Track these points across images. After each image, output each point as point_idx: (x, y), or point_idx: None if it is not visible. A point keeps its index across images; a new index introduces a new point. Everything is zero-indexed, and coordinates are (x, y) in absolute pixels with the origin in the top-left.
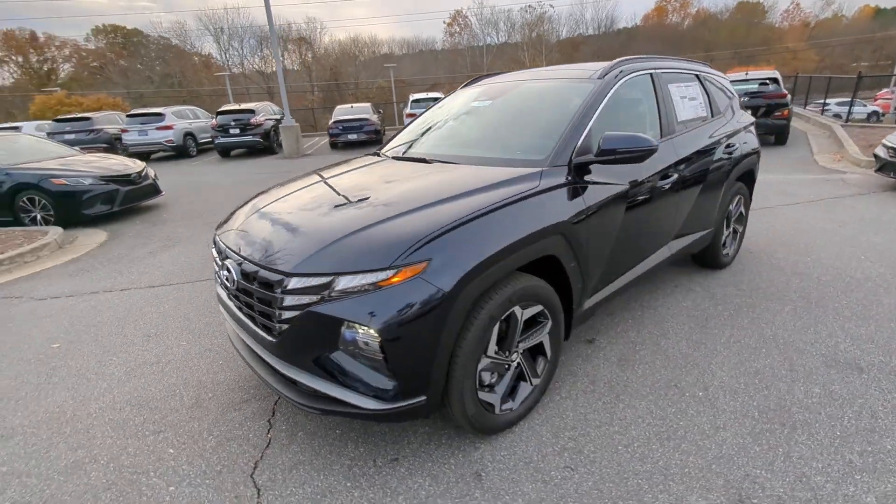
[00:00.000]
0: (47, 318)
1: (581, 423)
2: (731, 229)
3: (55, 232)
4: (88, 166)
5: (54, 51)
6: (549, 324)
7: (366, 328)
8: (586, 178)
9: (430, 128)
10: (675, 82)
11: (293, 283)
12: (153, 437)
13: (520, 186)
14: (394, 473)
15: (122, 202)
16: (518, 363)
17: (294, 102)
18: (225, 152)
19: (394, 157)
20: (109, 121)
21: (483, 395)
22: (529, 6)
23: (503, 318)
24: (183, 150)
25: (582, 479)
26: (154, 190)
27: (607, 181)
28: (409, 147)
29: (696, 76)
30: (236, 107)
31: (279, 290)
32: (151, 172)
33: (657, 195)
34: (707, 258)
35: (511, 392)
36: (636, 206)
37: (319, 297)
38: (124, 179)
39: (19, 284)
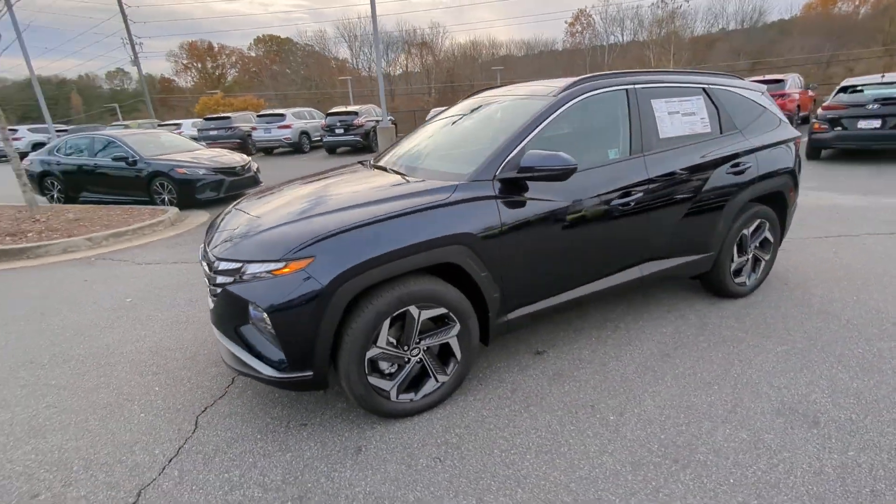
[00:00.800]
0: (134, 279)
1: (475, 424)
2: (747, 256)
3: (172, 212)
4: (205, 160)
5: (224, 58)
6: (457, 327)
7: (261, 308)
8: (524, 194)
9: (420, 138)
10: (663, 97)
11: (220, 266)
12: (151, 376)
13: (428, 198)
14: (296, 436)
15: (227, 190)
16: (420, 359)
17: (412, 103)
18: (331, 150)
19: (373, 166)
20: (244, 120)
21: (374, 381)
22: (662, 1)
23: (396, 315)
24: (298, 146)
25: (443, 470)
26: (254, 181)
27: (543, 198)
28: (390, 157)
29: (703, 90)
30: (343, 109)
31: (213, 271)
32: (254, 166)
33: (615, 214)
34: (712, 285)
35: (415, 384)
36: (582, 224)
37: (233, 279)
38: (230, 171)
39: (131, 251)
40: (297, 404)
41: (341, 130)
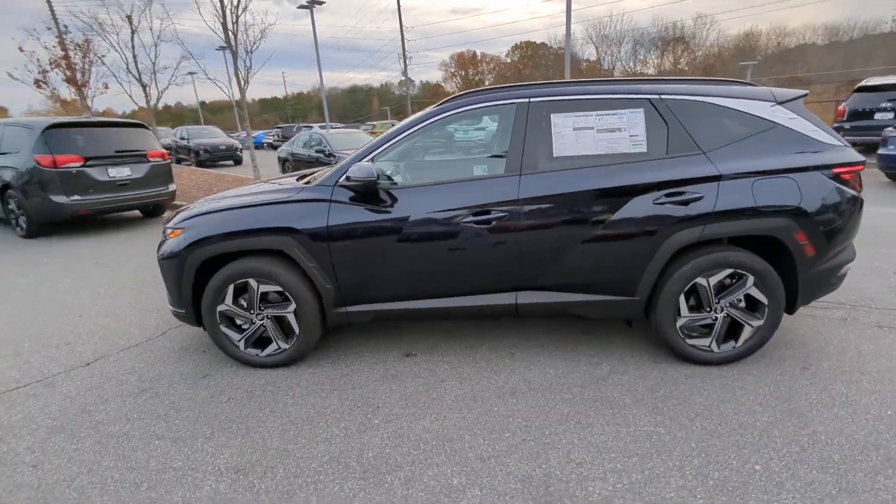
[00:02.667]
0: None
1: (289, 386)
2: (712, 315)
3: None
4: None
5: (484, 66)
6: (293, 305)
7: (158, 258)
8: (370, 203)
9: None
10: (570, 112)
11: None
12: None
13: (277, 196)
14: (176, 360)
15: None
16: (264, 324)
17: None
18: None
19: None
20: None
21: (225, 330)
22: None
23: (239, 283)
24: None
25: (231, 408)
26: None
27: (380, 208)
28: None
29: (649, 102)
30: None
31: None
32: None
33: (467, 233)
34: (667, 341)
35: (262, 344)
36: (424, 237)
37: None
38: None
39: None
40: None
41: None
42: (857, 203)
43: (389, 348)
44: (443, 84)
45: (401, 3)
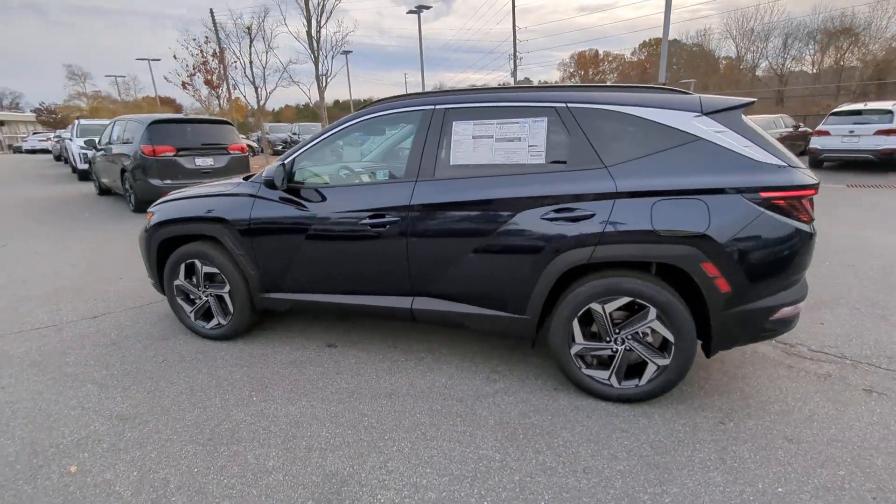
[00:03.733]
0: None
1: (189, 348)
2: (612, 346)
3: None
4: None
5: (606, 65)
6: (227, 287)
7: None
8: (290, 199)
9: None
10: (471, 119)
11: None
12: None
13: (224, 189)
14: (134, 317)
15: None
16: (207, 301)
17: (804, 108)
18: None
19: None
20: None
21: (181, 302)
22: None
23: (188, 262)
24: None
25: (167, 366)
26: None
27: (289, 205)
28: None
29: (555, 111)
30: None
31: None
32: None
33: (363, 235)
34: (561, 368)
35: (207, 317)
36: (326, 236)
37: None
38: None
39: None
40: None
41: None
42: (797, 235)
43: (320, 337)
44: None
45: (516, 3)
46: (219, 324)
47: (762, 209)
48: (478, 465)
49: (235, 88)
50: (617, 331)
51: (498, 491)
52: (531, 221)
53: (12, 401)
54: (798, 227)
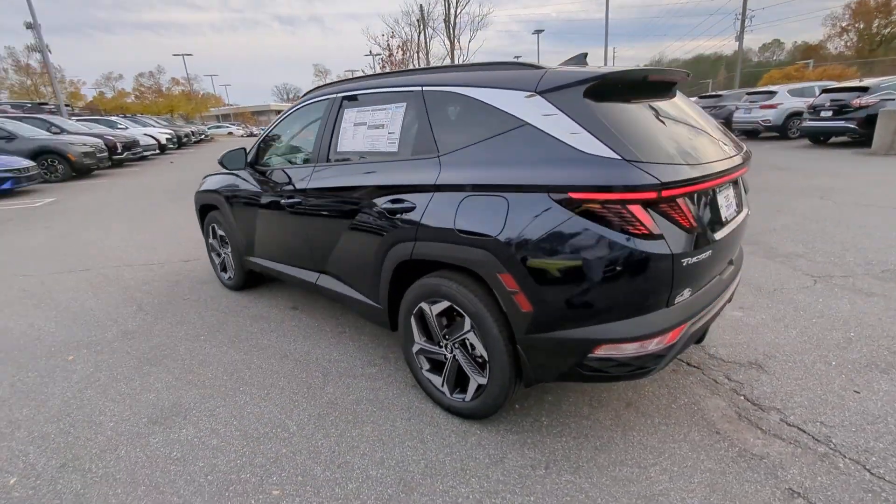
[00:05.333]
0: None
1: (165, 301)
2: (443, 352)
3: None
4: None
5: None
6: (229, 248)
7: None
8: (260, 177)
9: None
10: (356, 107)
11: None
12: None
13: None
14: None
15: None
16: (222, 256)
17: None
18: (813, 137)
19: None
20: (736, 98)
21: (215, 259)
22: None
23: (212, 225)
24: (782, 130)
25: (141, 316)
26: None
27: (251, 182)
28: None
29: (411, 95)
30: (846, 84)
31: None
32: None
33: (283, 214)
34: (408, 364)
35: (223, 269)
36: (262, 213)
37: None
38: None
39: None
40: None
41: (829, 113)
42: (621, 252)
43: (293, 300)
44: (826, 44)
45: None
46: (230, 277)
47: (570, 213)
48: (271, 431)
49: None
50: (446, 336)
51: (265, 453)
52: (374, 212)
53: (100, 313)
54: (621, 242)
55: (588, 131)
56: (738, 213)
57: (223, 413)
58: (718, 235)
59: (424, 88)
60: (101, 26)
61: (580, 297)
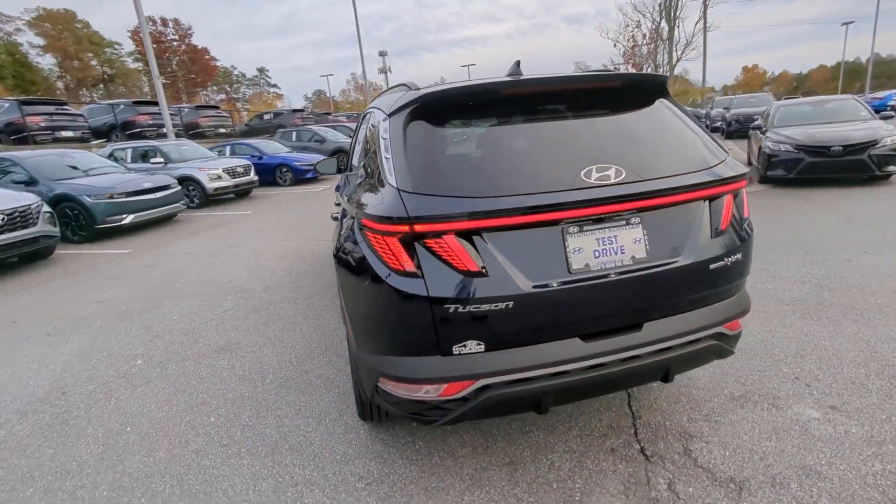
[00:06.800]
0: None
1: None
2: None
3: None
4: None
5: None
6: None
7: None
8: None
9: None
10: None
11: None
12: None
13: None
14: None
15: None
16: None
17: None
18: None
19: None
20: None
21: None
22: None
23: None
24: None
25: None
26: None
27: None
28: None
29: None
30: None
31: None
32: None
33: None
34: None
35: None
36: None
37: None
38: None
39: None
40: None
41: None
42: (382, 288)
43: None
44: None
45: None
46: None
47: (362, 238)
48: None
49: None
50: None
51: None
52: None
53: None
54: (382, 275)
55: (390, 157)
56: (644, 260)
57: (121, 395)
58: (554, 284)
59: (371, 112)
60: (426, 47)
61: (365, 323)
